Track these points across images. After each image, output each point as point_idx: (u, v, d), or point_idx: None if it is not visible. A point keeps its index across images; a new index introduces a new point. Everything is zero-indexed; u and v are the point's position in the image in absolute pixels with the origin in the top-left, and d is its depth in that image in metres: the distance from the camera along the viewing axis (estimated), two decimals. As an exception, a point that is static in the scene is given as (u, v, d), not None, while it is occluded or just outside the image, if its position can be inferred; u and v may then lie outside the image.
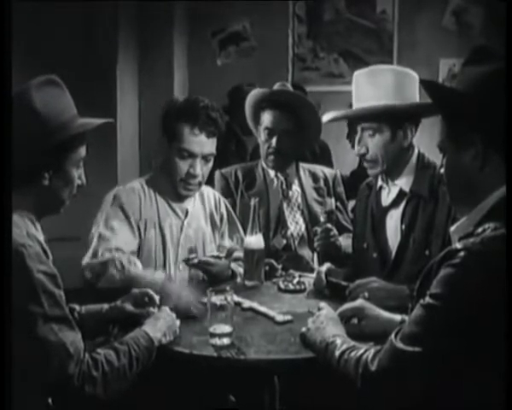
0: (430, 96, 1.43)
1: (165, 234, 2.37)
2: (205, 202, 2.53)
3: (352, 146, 4.16)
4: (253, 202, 2.32)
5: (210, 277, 2.31)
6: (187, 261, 2.32)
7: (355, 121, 2.23)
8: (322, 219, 2.56)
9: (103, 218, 2.29)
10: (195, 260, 2.29)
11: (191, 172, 2.33)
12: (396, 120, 2.17)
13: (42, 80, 1.54)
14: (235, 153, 4.03)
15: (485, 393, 1.27)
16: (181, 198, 2.43)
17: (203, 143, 2.32)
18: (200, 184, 2.39)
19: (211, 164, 2.40)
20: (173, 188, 2.39)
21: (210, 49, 5.07)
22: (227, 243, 2.55)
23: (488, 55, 1.37)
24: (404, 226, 2.21)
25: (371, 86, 2.18)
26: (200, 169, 2.34)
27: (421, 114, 2.22)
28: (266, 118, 2.78)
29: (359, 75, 2.24)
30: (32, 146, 1.49)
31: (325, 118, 2.37)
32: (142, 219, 2.33)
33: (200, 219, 2.48)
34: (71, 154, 1.58)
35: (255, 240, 2.31)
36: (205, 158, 2.34)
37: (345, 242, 2.60)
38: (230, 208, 2.64)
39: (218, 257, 2.34)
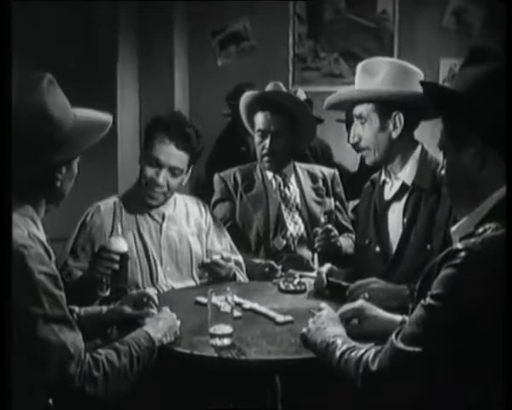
0: (428, 98, 1.43)
1: (145, 238, 2.38)
2: (188, 208, 2.55)
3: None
4: None
5: (217, 279, 2.32)
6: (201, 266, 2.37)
7: (349, 110, 2.28)
8: (322, 219, 2.55)
9: (70, 245, 2.32)
10: (207, 260, 2.32)
11: (154, 178, 2.34)
12: (384, 108, 2.20)
13: (46, 81, 1.53)
14: (239, 154, 4.03)
15: (486, 393, 1.27)
16: (147, 204, 2.43)
17: (171, 154, 2.33)
18: (164, 194, 2.39)
19: (179, 179, 2.39)
20: (143, 194, 2.40)
21: (210, 49, 5.06)
22: (217, 247, 2.54)
23: (486, 56, 1.37)
24: (405, 220, 2.21)
25: (367, 76, 2.24)
26: (164, 179, 2.34)
27: (410, 105, 2.21)
28: (258, 120, 2.80)
29: (360, 65, 2.29)
30: (47, 152, 1.49)
31: (326, 104, 2.41)
32: (117, 229, 2.33)
33: (181, 222, 2.49)
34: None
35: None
36: (172, 171, 2.35)
37: (345, 242, 2.60)
38: (216, 216, 2.67)
39: (225, 259, 2.35)
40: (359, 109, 2.25)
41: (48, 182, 1.54)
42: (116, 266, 2.01)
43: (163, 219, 2.45)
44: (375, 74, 2.23)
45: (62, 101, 1.56)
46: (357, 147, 2.30)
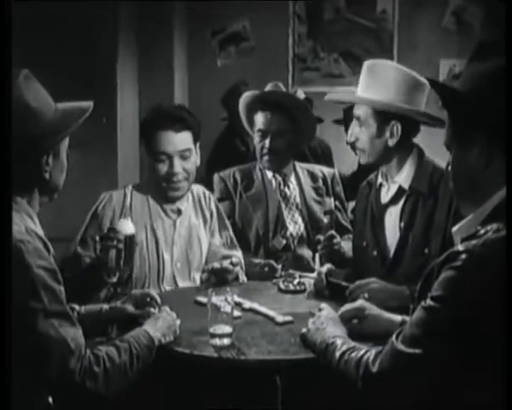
0: (438, 94, 1.42)
1: (158, 234, 2.38)
2: (195, 199, 2.55)
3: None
4: None
5: (223, 283, 2.32)
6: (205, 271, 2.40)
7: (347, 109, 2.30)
8: (325, 220, 2.55)
9: (80, 233, 2.32)
10: (217, 266, 2.34)
11: (170, 171, 2.34)
12: (381, 116, 2.17)
13: (23, 77, 1.52)
14: (239, 154, 4.03)
15: (486, 395, 1.26)
16: (173, 199, 2.44)
17: (174, 140, 2.34)
18: (186, 179, 2.40)
19: (193, 159, 2.40)
20: (162, 191, 2.40)
21: (210, 50, 5.06)
22: (217, 240, 2.55)
23: (493, 52, 1.35)
24: (403, 224, 2.20)
25: (372, 80, 2.20)
26: (180, 167, 2.35)
27: (410, 118, 2.19)
28: (258, 119, 2.80)
29: (367, 65, 2.26)
30: (31, 142, 1.48)
31: (326, 97, 2.45)
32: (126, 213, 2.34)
33: (191, 216, 2.50)
34: (64, 140, 1.59)
35: None
36: (182, 155, 2.35)
37: (347, 245, 2.58)
38: (219, 205, 2.66)
39: (234, 264, 2.37)
40: (358, 111, 2.23)
41: (36, 174, 1.52)
42: (120, 246, 2.00)
43: (178, 215, 2.45)
44: (381, 81, 2.18)
45: (40, 93, 1.55)
46: (353, 146, 2.29)
